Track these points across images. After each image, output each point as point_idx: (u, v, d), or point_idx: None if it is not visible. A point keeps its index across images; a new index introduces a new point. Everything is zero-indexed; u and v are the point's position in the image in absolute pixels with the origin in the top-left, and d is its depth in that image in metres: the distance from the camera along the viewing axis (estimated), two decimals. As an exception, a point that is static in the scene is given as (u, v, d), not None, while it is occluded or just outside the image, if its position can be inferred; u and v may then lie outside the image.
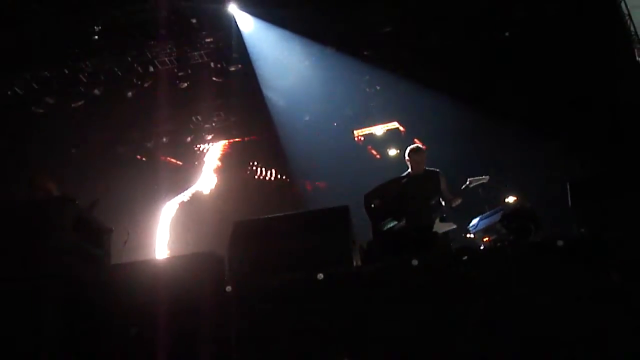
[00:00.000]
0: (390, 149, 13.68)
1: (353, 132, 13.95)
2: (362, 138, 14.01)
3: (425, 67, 11.84)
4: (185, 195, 13.97)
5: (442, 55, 11.65)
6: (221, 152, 14.47)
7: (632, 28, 11.14)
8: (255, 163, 14.13)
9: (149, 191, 13.06)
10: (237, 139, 14.36)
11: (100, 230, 5.90)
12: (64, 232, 5.33)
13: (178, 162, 14.32)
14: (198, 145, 14.32)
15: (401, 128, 13.62)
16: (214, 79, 13.04)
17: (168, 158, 14.34)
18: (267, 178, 14.03)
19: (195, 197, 14.12)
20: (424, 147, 7.95)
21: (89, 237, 5.69)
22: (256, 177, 14.07)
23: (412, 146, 7.85)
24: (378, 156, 13.63)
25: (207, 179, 14.29)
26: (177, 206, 13.89)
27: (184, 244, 12.22)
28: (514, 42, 11.20)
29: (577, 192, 5.19)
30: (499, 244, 6.00)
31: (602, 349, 4.31)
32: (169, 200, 13.83)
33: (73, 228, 5.42)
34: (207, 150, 14.41)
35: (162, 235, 13.40)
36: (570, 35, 10.39)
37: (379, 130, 13.91)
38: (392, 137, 13.69)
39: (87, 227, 5.68)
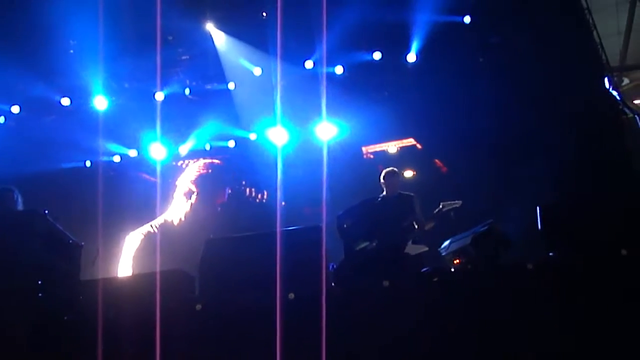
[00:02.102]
0: (405, 170, 11.47)
1: (361, 148, 12.60)
2: (372, 156, 12.63)
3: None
4: (152, 226, 13.48)
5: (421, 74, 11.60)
6: (197, 173, 14.20)
7: (603, 57, 11.35)
8: (244, 182, 13.72)
9: (121, 208, 12.82)
10: (213, 159, 14.20)
11: (71, 246, 5.85)
12: (34, 247, 5.29)
13: (153, 179, 14.07)
14: (174, 162, 14.15)
15: (418, 145, 12.36)
16: (189, 96, 13.01)
17: (144, 175, 14.13)
18: (257, 198, 13.41)
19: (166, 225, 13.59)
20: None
21: (59, 252, 5.64)
22: (247, 195, 13.59)
23: (387, 169, 7.87)
24: None
25: (179, 204, 13.85)
26: (142, 236, 13.35)
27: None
28: (488, 68, 11.26)
29: (547, 216, 5.26)
30: (469, 266, 6.04)
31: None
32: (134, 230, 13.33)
33: (43, 242, 5.38)
34: (185, 166, 14.19)
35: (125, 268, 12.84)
36: (543, 61, 10.52)
37: (391, 147, 12.40)
38: (407, 156, 12.17)
39: (57, 241, 5.63)
